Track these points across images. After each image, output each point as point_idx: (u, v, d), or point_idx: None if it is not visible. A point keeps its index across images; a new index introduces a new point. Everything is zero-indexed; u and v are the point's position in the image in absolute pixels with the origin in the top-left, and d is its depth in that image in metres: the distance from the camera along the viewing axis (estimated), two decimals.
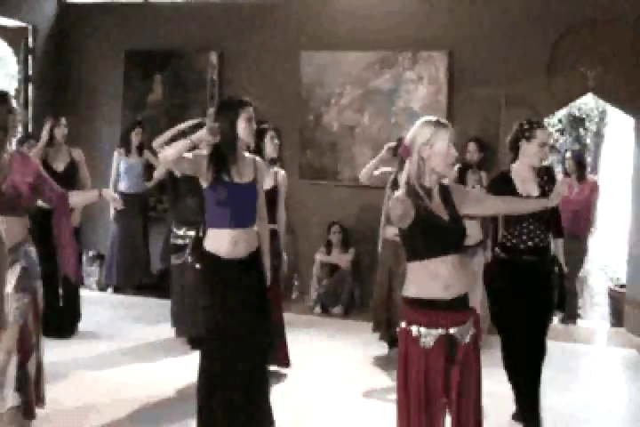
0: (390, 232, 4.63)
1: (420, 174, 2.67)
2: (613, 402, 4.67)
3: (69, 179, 5.48)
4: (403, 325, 2.68)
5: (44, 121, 5.70)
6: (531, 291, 3.87)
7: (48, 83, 7.81)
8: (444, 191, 2.74)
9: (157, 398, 4.36)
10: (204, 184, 3.45)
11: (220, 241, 3.41)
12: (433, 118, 2.75)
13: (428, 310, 2.63)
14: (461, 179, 5.75)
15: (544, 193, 3.88)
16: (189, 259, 5.00)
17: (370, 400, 4.44)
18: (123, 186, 7.01)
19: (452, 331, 2.64)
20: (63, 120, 5.69)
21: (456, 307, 2.66)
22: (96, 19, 7.88)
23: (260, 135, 4.41)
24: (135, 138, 7.03)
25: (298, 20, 7.27)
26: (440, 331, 2.63)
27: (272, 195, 4.56)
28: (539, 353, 3.96)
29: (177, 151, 3.31)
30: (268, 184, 4.46)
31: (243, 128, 3.44)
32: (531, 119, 4.00)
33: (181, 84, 7.63)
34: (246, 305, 3.44)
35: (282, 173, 4.86)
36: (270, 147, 4.66)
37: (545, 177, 3.98)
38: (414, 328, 2.63)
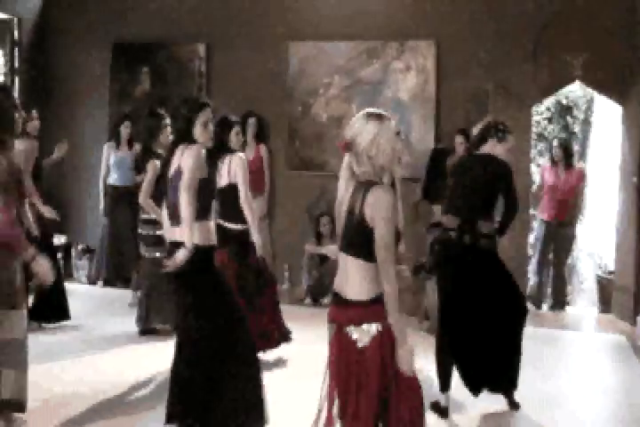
0: None
1: (378, 173, 2.50)
2: (601, 388, 4.72)
3: None
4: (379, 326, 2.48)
5: None
6: None
7: (34, 75, 7.75)
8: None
9: (137, 387, 4.38)
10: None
11: (211, 233, 3.43)
12: (374, 112, 2.55)
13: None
14: (436, 161, 5.88)
15: None
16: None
17: None
18: (113, 179, 7.00)
19: None
20: (34, 113, 5.47)
21: None
22: (82, 10, 7.83)
23: (227, 129, 4.47)
24: (124, 131, 7.00)
25: (285, 10, 7.25)
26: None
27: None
28: None
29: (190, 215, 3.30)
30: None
31: (199, 132, 3.37)
32: (503, 122, 4.22)
33: (169, 76, 7.60)
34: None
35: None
36: (234, 141, 4.62)
37: None
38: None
